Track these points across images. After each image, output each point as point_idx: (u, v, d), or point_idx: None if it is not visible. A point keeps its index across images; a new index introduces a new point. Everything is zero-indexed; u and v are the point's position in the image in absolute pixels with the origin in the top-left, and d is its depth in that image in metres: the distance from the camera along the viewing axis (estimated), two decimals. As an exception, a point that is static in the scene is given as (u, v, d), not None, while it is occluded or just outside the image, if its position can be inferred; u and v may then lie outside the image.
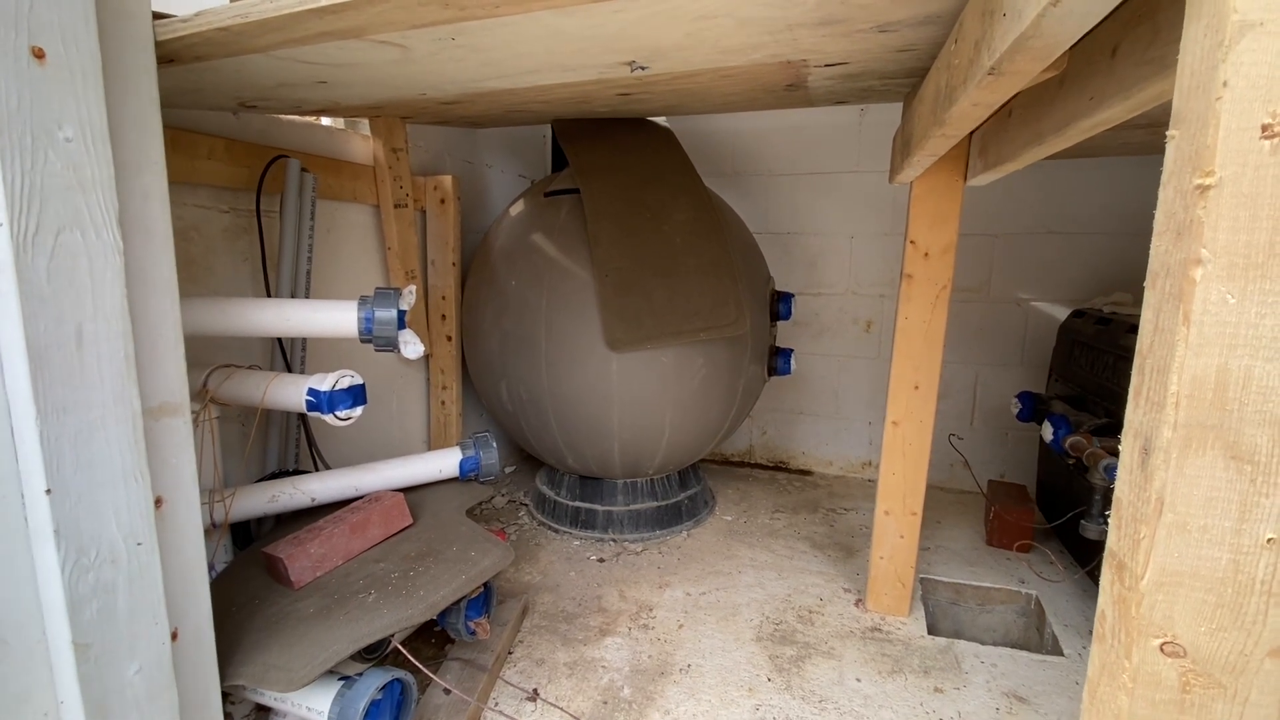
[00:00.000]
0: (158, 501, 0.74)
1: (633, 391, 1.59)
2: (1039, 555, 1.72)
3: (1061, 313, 2.01)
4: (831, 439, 2.43)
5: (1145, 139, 1.37)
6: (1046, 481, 1.86)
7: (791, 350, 1.93)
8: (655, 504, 1.89)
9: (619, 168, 1.66)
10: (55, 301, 0.62)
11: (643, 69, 1.03)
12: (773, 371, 1.91)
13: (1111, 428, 1.37)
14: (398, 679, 0.92)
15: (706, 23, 0.77)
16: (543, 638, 1.37)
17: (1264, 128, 0.28)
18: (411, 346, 1.09)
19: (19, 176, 0.58)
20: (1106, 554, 0.35)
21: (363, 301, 1.07)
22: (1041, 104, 0.77)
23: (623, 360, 1.54)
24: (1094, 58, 0.58)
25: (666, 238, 1.59)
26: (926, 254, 1.32)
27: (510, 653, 1.32)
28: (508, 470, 2.37)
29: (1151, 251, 0.34)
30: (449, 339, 1.88)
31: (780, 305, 1.87)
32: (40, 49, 0.59)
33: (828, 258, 2.30)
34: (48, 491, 0.62)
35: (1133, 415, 0.33)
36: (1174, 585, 0.32)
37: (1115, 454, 1.24)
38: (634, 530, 1.84)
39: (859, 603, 1.51)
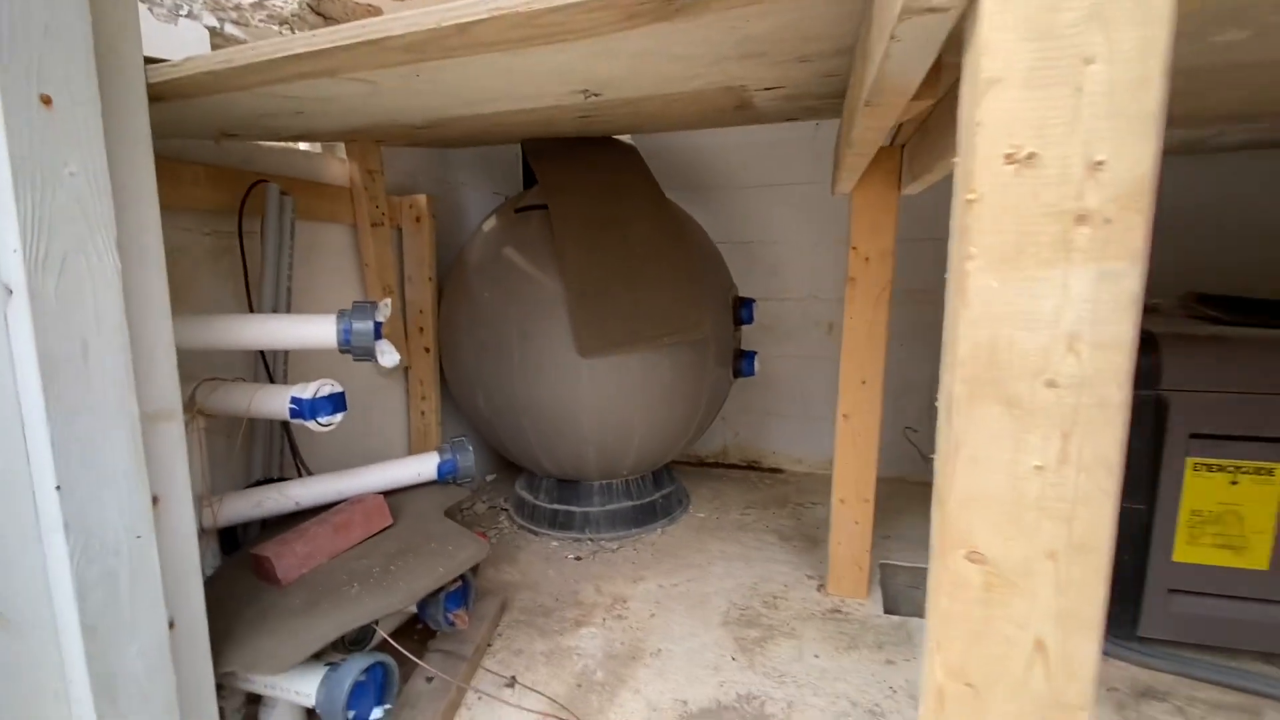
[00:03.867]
0: (155, 500, 0.81)
1: (603, 395, 1.67)
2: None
3: (1008, 311, 2.13)
4: (800, 438, 2.53)
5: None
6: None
7: (755, 353, 2.03)
8: (631, 504, 1.97)
9: (585, 183, 1.76)
10: (63, 318, 0.69)
11: (596, 95, 1.13)
12: (738, 374, 2.00)
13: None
14: (380, 663, 0.99)
15: (643, 58, 0.87)
16: (521, 630, 1.44)
17: (1007, 156, 0.37)
18: (388, 355, 1.17)
19: (31, 209, 0.66)
20: (933, 490, 0.45)
21: (341, 315, 1.15)
22: (945, 122, 0.88)
23: (592, 366, 1.62)
24: (963, 88, 0.68)
25: (631, 249, 1.68)
26: (867, 259, 1.42)
27: (489, 645, 1.39)
28: (489, 478, 2.44)
29: (947, 250, 0.43)
30: (426, 350, 1.96)
31: (742, 310, 1.97)
32: (48, 96, 0.67)
33: (789, 264, 2.41)
34: (58, 488, 0.69)
35: (942, 378, 0.43)
36: (972, 506, 0.41)
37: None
38: (610, 529, 1.92)
39: (820, 587, 1.60)
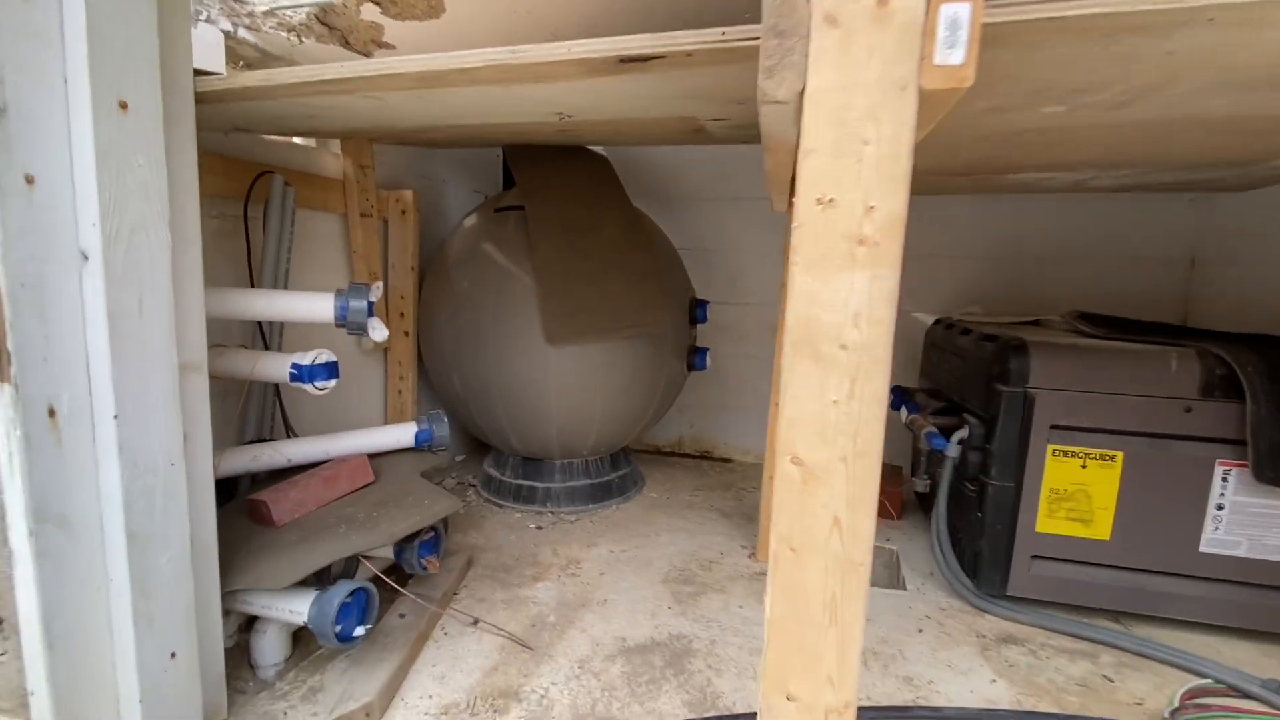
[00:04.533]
0: (185, 436, 0.98)
1: (568, 380, 1.86)
2: (909, 520, 2.06)
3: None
4: (750, 431, 2.75)
5: (968, 184, 1.75)
6: (915, 459, 2.21)
7: (707, 349, 2.24)
8: (589, 481, 2.16)
9: (560, 188, 1.95)
10: (127, 281, 0.86)
11: (569, 117, 1.33)
12: (691, 367, 2.21)
13: (949, 410, 1.72)
14: (363, 589, 1.17)
15: (607, 95, 1.07)
16: (484, 583, 1.62)
17: (817, 200, 0.58)
18: (378, 331, 1.35)
19: (108, 193, 0.83)
20: (774, 419, 0.65)
21: (339, 293, 1.32)
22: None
23: (559, 353, 1.81)
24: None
25: (598, 250, 1.88)
26: (800, 268, 1.64)
27: (456, 593, 1.57)
28: (458, 459, 2.60)
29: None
30: (406, 334, 2.12)
31: (697, 310, 2.18)
32: (125, 102, 0.84)
33: (747, 272, 2.64)
34: (115, 417, 0.86)
35: (780, 342, 0.64)
36: (796, 426, 0.61)
37: (935, 425, 1.58)
38: (570, 504, 2.11)
39: (751, 555, 1.81)
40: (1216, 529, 1.37)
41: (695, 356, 2.22)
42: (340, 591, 1.12)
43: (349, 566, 1.29)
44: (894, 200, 0.57)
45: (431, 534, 1.44)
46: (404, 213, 2.09)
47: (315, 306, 1.32)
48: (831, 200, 0.58)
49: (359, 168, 1.91)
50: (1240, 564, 1.38)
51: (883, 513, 2.06)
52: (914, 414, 1.77)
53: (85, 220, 0.82)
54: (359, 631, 1.15)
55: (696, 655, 1.34)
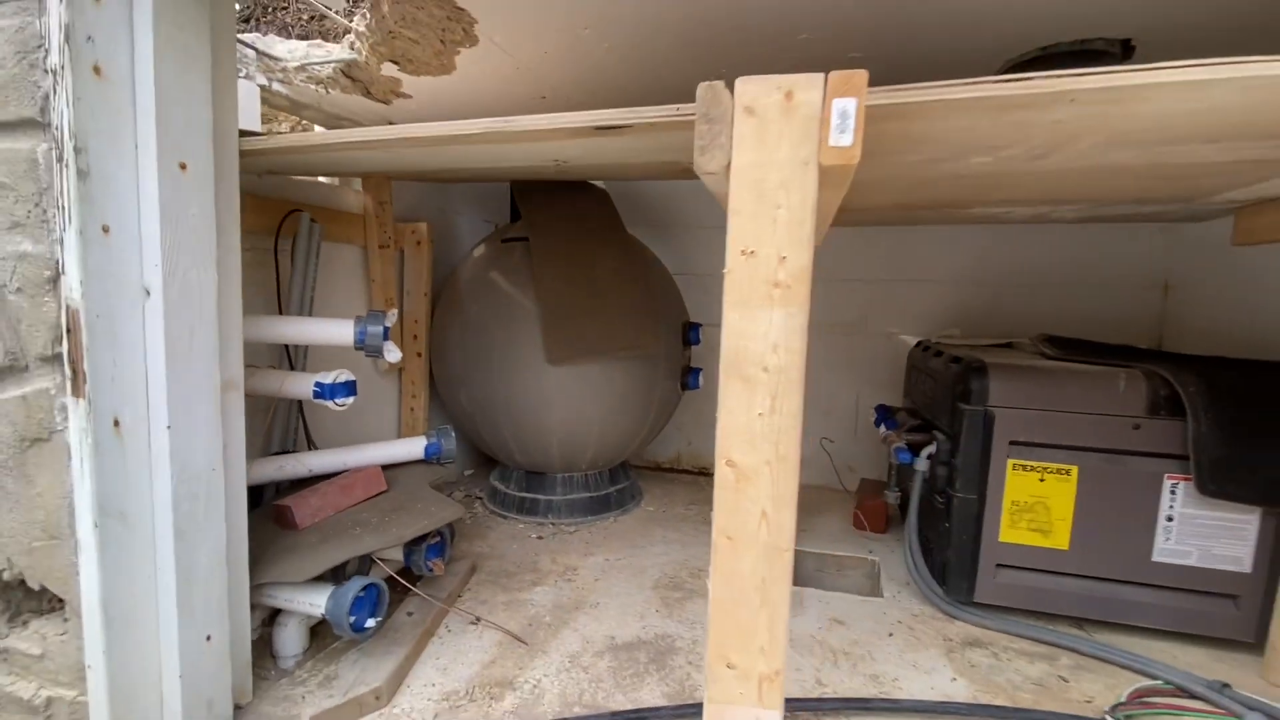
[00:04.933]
0: (224, 446, 1.13)
1: (568, 397, 2.00)
2: (893, 534, 2.16)
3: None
4: (746, 448, 2.86)
5: (935, 216, 1.88)
6: (888, 474, 2.32)
7: (700, 370, 2.37)
8: (588, 495, 2.29)
9: (562, 221, 2.11)
10: (180, 312, 1.02)
11: (565, 163, 1.48)
12: (685, 387, 2.34)
13: (922, 427, 1.83)
14: (375, 584, 1.30)
15: (593, 150, 1.22)
16: (486, 587, 1.75)
17: (742, 251, 0.72)
18: (393, 353, 1.50)
19: (169, 239, 0.99)
20: (718, 432, 0.78)
21: (358, 320, 1.48)
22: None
23: (559, 373, 1.96)
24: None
25: (597, 278, 2.03)
26: (780, 295, 1.78)
27: (460, 595, 1.69)
28: (466, 473, 2.74)
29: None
30: (419, 355, 2.28)
31: (690, 333, 2.32)
32: (185, 164, 1.01)
33: (740, 296, 2.77)
34: (168, 428, 1.01)
35: (720, 367, 0.77)
36: (730, 435, 0.74)
37: (907, 441, 1.70)
38: (569, 516, 2.23)
39: (739, 565, 1.92)
40: (1167, 539, 1.47)
41: (689, 376, 2.35)
42: (354, 586, 1.25)
43: (363, 566, 1.43)
44: (801, 254, 0.70)
45: (438, 539, 1.57)
46: (419, 243, 2.26)
47: (337, 331, 1.47)
48: (753, 252, 0.71)
49: (378, 203, 2.09)
50: (1191, 572, 1.46)
51: (858, 524, 2.16)
52: (890, 430, 1.89)
53: (149, 262, 0.98)
54: (370, 623, 1.29)
55: (679, 652, 1.45)
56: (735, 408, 0.74)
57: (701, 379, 2.37)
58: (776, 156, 0.69)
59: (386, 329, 1.49)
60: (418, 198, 2.41)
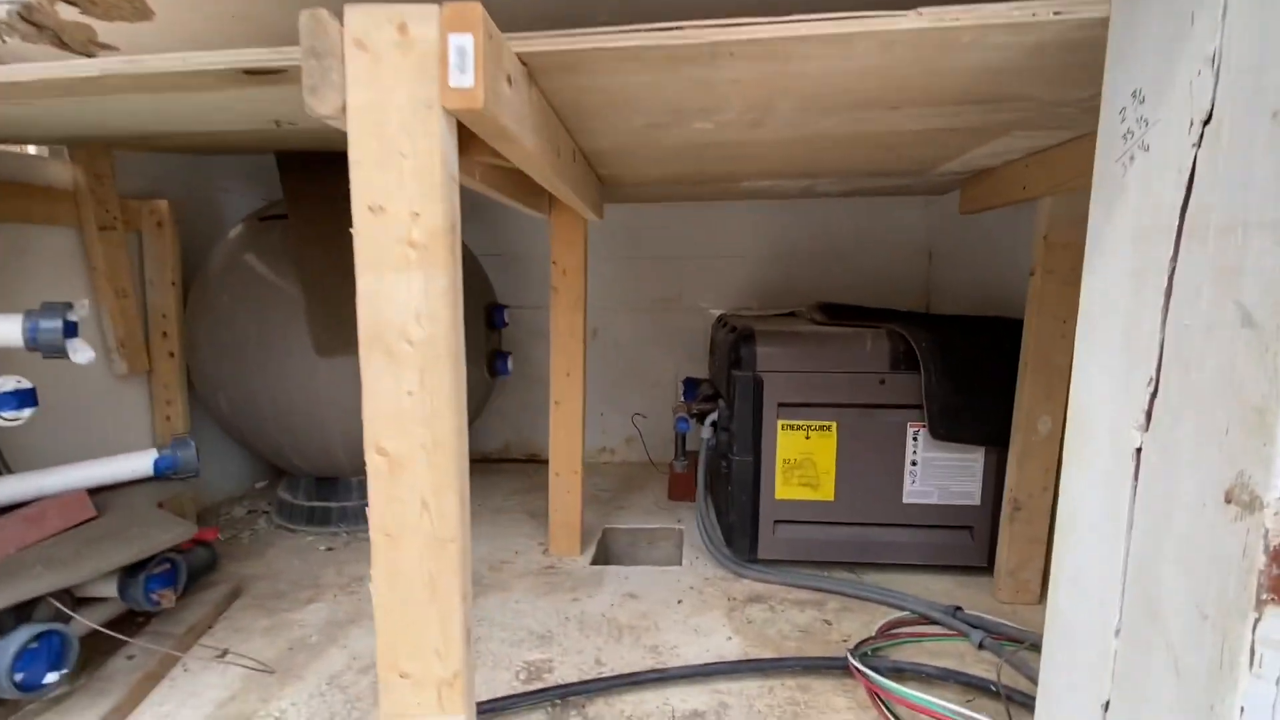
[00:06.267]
0: None
1: (345, 393, 1.81)
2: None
3: (725, 317, 2.59)
4: (573, 431, 2.82)
5: (710, 191, 1.92)
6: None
7: (509, 354, 2.28)
8: (392, 496, 2.11)
9: (332, 192, 1.87)
10: None
11: (288, 123, 1.31)
12: (494, 373, 2.24)
13: (713, 397, 1.87)
14: (55, 631, 1.07)
15: (270, 102, 1.07)
16: (248, 613, 1.54)
17: (369, 207, 0.63)
18: (81, 353, 1.24)
19: None
20: (364, 417, 0.70)
21: (29, 314, 1.21)
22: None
23: (330, 365, 1.77)
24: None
25: (373, 259, 1.85)
26: (565, 271, 1.73)
27: (210, 627, 1.48)
28: (258, 485, 2.45)
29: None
30: (171, 355, 1.97)
31: (495, 315, 2.21)
32: None
33: (556, 276, 2.70)
34: None
35: (359, 339, 0.68)
36: (378, 419, 0.66)
37: (697, 410, 1.72)
38: (367, 522, 2.05)
39: (545, 550, 1.87)
40: (914, 482, 1.61)
41: (498, 361, 2.24)
42: (17, 638, 1.02)
43: (65, 607, 1.18)
44: (436, 209, 0.63)
45: (167, 566, 1.35)
46: (160, 224, 1.94)
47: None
48: (382, 208, 0.63)
49: (94, 176, 1.75)
50: (935, 510, 1.62)
51: (671, 496, 2.21)
52: (688, 401, 1.92)
53: None
54: (51, 678, 1.06)
55: (456, 654, 1.37)
56: (380, 388, 0.65)
57: (512, 364, 2.27)
58: (395, 98, 0.61)
59: (71, 323, 1.23)
60: (159, 172, 2.06)
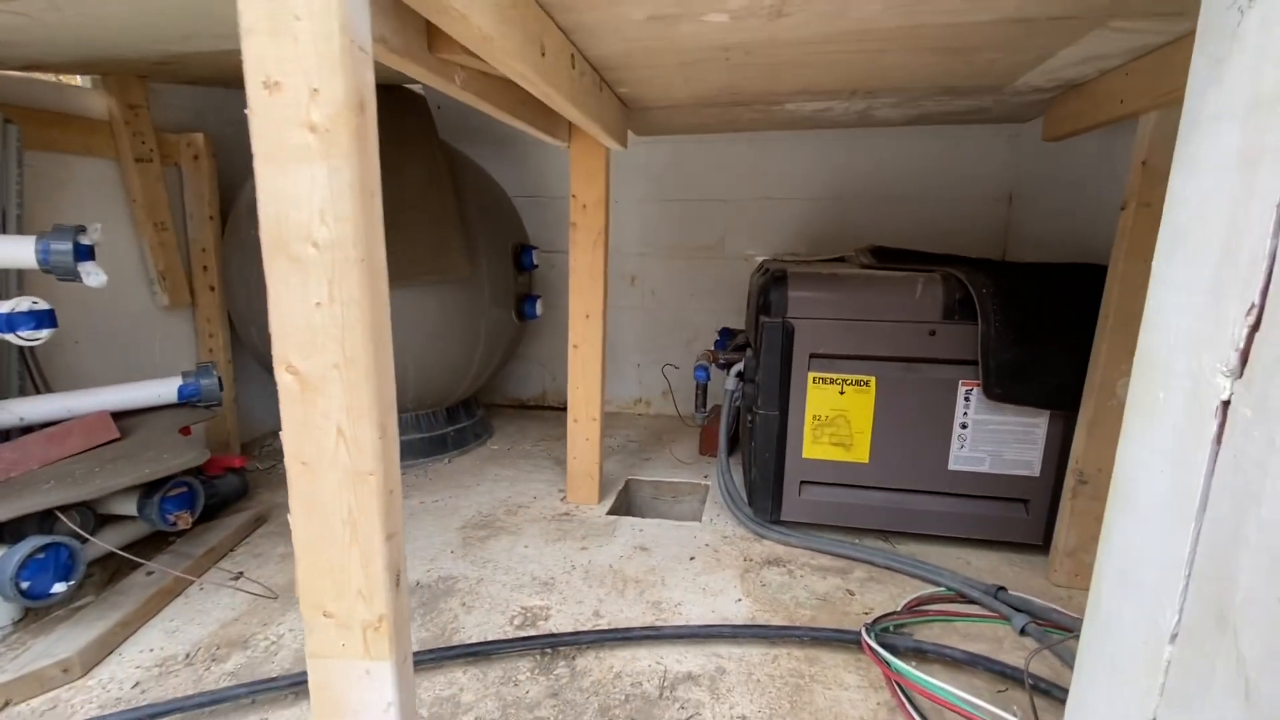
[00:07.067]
0: None
1: (369, 329, 1.80)
2: (737, 457, 2.11)
3: (772, 264, 2.41)
4: (610, 381, 2.74)
5: (750, 115, 1.73)
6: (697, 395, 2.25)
7: (538, 297, 2.20)
8: (421, 436, 2.12)
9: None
10: None
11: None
12: (521, 316, 2.18)
13: (743, 347, 1.74)
14: (61, 544, 1.11)
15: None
16: (270, 540, 1.58)
17: (264, 83, 0.54)
18: (93, 276, 1.25)
19: None
20: (271, 330, 0.62)
21: (40, 236, 1.22)
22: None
23: (352, 300, 1.74)
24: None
25: (396, 193, 1.80)
26: (584, 205, 1.61)
27: (233, 550, 1.52)
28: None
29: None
30: (211, 289, 2.01)
31: (523, 256, 2.13)
32: None
33: (594, 219, 2.58)
34: None
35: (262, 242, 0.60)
36: (286, 334, 0.58)
37: (726, 360, 1.60)
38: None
39: (563, 497, 1.82)
40: (962, 446, 1.44)
41: (525, 305, 2.18)
42: (23, 548, 1.06)
43: (84, 523, 1.23)
44: (337, 83, 0.53)
45: (184, 489, 1.38)
46: (197, 158, 1.95)
47: (13, 251, 1.21)
48: (277, 83, 0.53)
49: (128, 107, 1.76)
50: (985, 479, 1.45)
51: (703, 450, 2.10)
52: (716, 349, 1.79)
53: None
54: (59, 588, 1.10)
55: (455, 595, 1.34)
56: (287, 297, 0.57)
57: (539, 307, 2.20)
58: (282, -55, 0.50)
59: (84, 246, 1.24)
60: (200, 105, 2.07)
